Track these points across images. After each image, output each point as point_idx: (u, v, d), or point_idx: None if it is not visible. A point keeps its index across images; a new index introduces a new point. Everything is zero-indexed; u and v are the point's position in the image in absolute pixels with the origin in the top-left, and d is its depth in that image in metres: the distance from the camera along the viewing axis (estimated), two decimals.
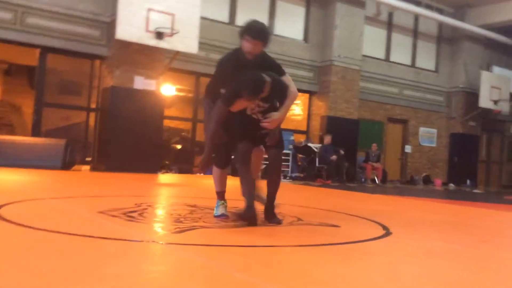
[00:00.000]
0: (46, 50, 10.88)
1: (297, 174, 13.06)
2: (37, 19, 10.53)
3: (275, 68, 3.49)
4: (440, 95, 17.29)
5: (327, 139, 13.25)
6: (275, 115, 3.42)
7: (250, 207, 3.35)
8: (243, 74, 3.31)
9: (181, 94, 14.16)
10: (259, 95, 3.32)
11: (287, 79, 3.51)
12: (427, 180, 16.34)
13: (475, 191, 14.10)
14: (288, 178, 12.68)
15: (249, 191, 3.41)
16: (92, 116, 11.64)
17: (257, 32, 3.38)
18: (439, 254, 2.91)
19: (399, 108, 16.30)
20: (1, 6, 10.24)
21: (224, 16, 13.08)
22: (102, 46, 11.24)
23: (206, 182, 9.17)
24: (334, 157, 12.94)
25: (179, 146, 13.82)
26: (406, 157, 16.60)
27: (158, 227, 3.28)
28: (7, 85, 15.13)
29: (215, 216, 3.72)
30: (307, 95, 14.69)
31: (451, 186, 16.26)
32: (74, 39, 10.92)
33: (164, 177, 10.11)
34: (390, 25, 16.13)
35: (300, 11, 14.41)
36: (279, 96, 3.45)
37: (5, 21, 10.30)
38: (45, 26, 10.58)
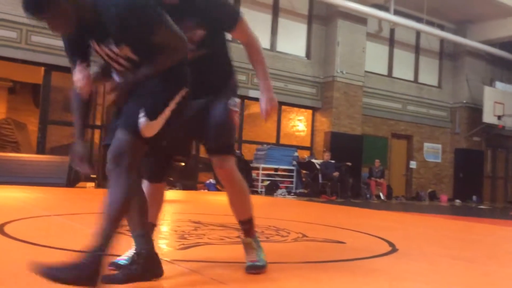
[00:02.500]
0: (50, 68, 10.97)
1: (301, 190, 13.04)
2: (42, 37, 10.63)
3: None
4: (443, 111, 17.30)
5: (326, 156, 13.30)
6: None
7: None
8: None
9: None
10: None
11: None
12: (433, 196, 16.24)
13: (481, 207, 14.01)
14: (292, 194, 12.65)
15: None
16: (97, 133, 11.69)
17: None
18: (444, 271, 2.89)
19: (403, 124, 16.29)
20: (6, 25, 10.37)
21: None
22: None
23: (211, 198, 9.16)
24: (336, 173, 12.94)
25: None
26: (411, 173, 16.54)
27: (163, 244, 3.26)
28: (12, 103, 15.24)
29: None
30: (310, 111, 14.72)
31: (457, 202, 16.16)
32: None
33: (168, 194, 10.09)
34: (392, 41, 16.22)
35: (302, 28, 14.51)
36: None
37: (10, 39, 10.41)
38: (50, 44, 10.68)
